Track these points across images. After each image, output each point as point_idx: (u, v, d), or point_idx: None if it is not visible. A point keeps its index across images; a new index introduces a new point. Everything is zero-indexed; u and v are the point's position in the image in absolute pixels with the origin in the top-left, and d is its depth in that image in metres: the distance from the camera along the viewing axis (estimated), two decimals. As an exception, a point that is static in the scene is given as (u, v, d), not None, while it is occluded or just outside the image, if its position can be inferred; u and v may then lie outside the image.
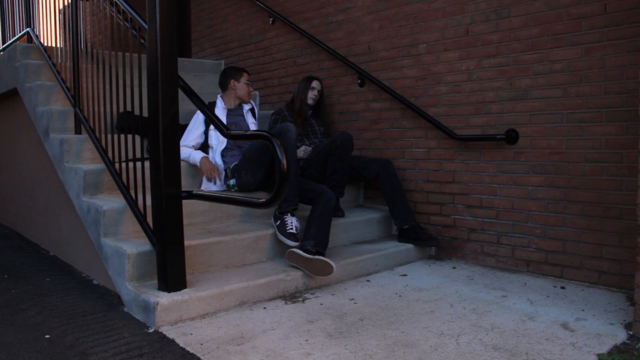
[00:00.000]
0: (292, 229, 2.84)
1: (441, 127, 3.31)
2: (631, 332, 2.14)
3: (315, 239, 2.76)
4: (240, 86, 3.48)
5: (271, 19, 4.59)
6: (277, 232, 2.88)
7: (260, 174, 3.14)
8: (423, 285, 2.80)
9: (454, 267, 3.17)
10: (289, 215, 2.90)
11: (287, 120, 3.69)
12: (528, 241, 3.00)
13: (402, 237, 3.36)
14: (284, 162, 2.03)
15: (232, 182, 3.22)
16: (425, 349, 1.98)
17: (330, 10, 4.11)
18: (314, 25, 4.23)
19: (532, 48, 2.95)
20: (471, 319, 2.29)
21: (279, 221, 2.90)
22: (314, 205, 2.93)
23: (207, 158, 3.29)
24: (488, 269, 3.12)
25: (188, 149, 3.32)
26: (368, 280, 2.90)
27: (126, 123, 2.73)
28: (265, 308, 2.43)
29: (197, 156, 3.27)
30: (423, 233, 3.32)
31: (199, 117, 3.38)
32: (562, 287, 2.74)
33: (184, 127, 3.42)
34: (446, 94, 3.35)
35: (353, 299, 2.57)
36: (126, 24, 2.69)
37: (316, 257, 2.66)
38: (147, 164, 2.44)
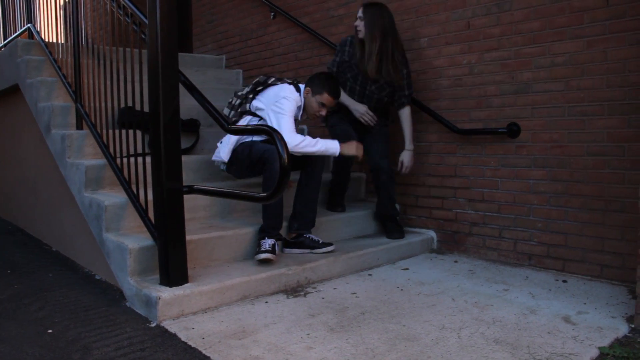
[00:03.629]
0: (265, 247, 2.70)
1: (442, 120, 3.30)
2: (633, 326, 2.14)
3: (299, 220, 2.91)
4: (309, 100, 2.98)
5: (272, 14, 4.57)
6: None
7: (245, 176, 3.11)
8: (425, 279, 2.80)
9: (456, 261, 3.17)
10: (266, 238, 2.75)
11: (344, 57, 3.29)
12: (530, 235, 3.00)
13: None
14: (285, 156, 2.03)
15: (222, 166, 3.12)
16: (427, 343, 1.99)
17: (331, 4, 4.09)
18: (315, 19, 4.21)
19: (534, 41, 2.93)
20: (473, 313, 2.29)
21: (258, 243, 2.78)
22: (301, 172, 2.97)
23: (346, 145, 2.93)
24: (490, 262, 3.12)
25: (306, 138, 2.83)
26: (370, 274, 2.90)
27: (127, 118, 2.73)
28: (266, 302, 2.43)
29: (333, 145, 2.88)
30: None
31: (291, 103, 2.90)
32: (564, 281, 2.74)
33: (185, 122, 3.40)
34: (447, 87, 3.34)
35: (355, 293, 2.57)
36: (127, 19, 2.69)
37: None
38: (148, 159, 2.45)
